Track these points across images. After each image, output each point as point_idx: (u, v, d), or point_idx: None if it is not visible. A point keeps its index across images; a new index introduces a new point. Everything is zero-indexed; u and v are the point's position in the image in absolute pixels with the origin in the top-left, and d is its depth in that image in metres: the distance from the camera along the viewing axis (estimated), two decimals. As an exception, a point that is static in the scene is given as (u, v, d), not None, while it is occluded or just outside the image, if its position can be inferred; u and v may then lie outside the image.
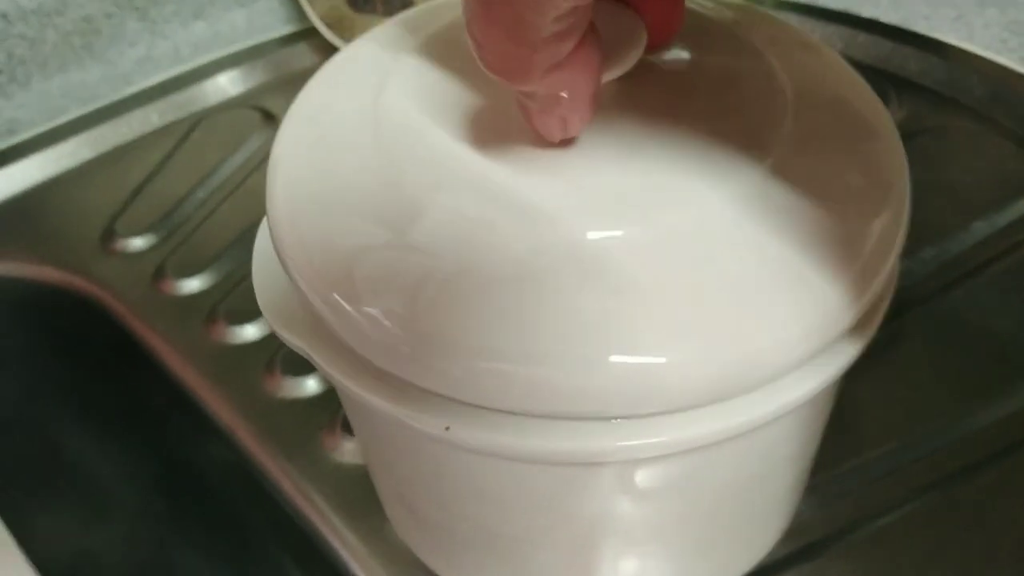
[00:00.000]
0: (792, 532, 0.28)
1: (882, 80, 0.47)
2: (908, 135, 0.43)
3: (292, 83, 0.51)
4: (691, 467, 0.21)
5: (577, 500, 0.22)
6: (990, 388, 0.32)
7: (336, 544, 0.30)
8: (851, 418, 0.31)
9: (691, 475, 0.22)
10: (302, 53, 0.52)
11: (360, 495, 0.30)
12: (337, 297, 0.19)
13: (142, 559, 0.42)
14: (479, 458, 0.21)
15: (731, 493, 0.23)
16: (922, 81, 0.47)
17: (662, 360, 0.18)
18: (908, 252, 0.37)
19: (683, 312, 0.18)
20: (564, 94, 0.18)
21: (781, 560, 0.28)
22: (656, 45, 0.21)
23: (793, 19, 0.52)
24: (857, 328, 0.20)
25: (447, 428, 0.19)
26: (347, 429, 0.32)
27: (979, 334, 0.34)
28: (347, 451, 0.32)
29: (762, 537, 0.27)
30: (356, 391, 0.20)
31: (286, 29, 0.54)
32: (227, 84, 0.51)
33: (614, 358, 0.17)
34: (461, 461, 0.21)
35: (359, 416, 0.24)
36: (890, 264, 0.20)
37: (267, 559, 0.36)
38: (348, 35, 0.49)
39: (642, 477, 0.21)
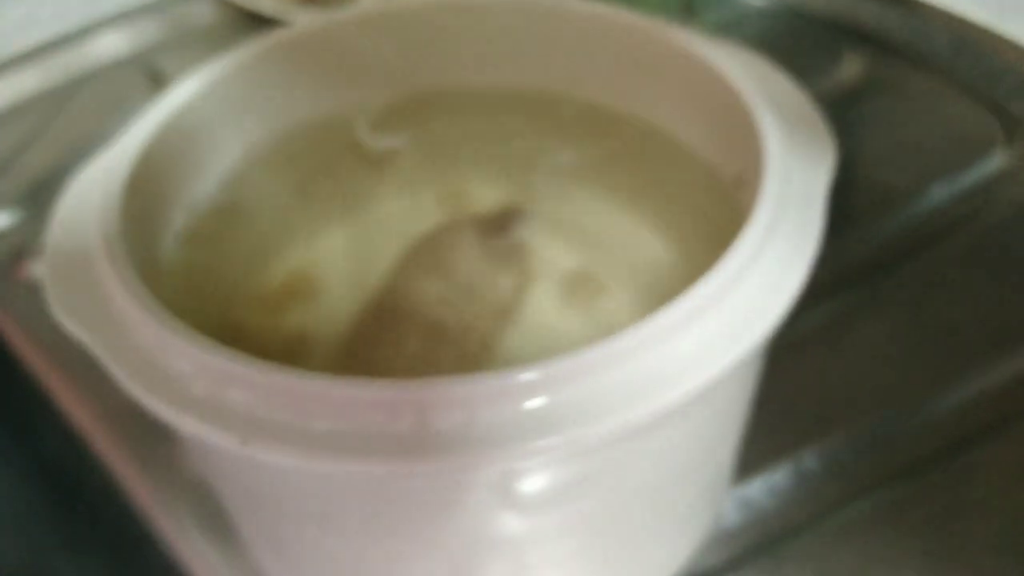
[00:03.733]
0: (717, 542, 0.25)
1: (836, 34, 0.44)
2: (863, 93, 0.40)
3: (186, 43, 0.46)
4: (583, 471, 0.18)
5: (442, 518, 0.18)
6: (949, 370, 0.29)
7: (192, 558, 0.26)
8: (786, 409, 0.27)
9: (584, 480, 0.18)
10: (199, 10, 0.48)
11: (218, 505, 0.26)
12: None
13: (14, 567, 0.38)
14: (296, 475, 0.17)
15: (631, 499, 0.19)
16: (880, 35, 0.44)
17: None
18: (860, 219, 0.34)
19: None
20: None
21: (705, 573, 0.25)
22: None
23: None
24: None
25: (243, 442, 0.15)
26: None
27: (936, 311, 0.31)
28: (209, 458, 0.28)
29: (676, 545, 0.23)
30: (140, 396, 0.16)
31: (185, -16, 0.50)
32: (115, 43, 0.46)
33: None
34: (276, 479, 0.17)
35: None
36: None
37: (136, 568, 0.33)
38: (247, -12, 0.44)
39: (522, 486, 0.17)
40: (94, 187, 0.21)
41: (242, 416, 0.15)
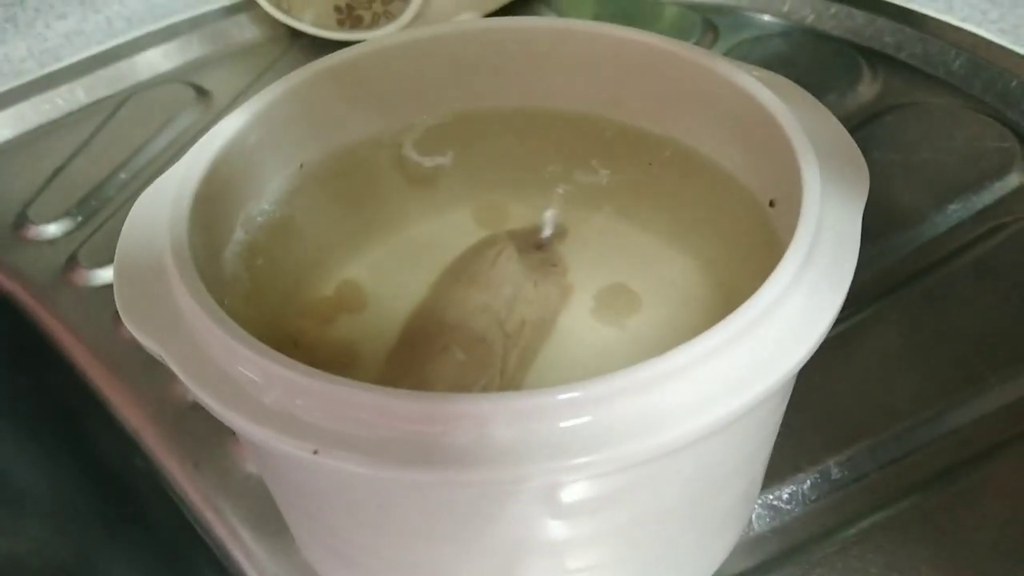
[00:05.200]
0: (745, 547, 0.26)
1: (854, 54, 0.45)
2: (881, 112, 0.41)
3: (230, 57, 0.47)
4: (623, 485, 0.19)
5: (492, 524, 0.19)
6: (968, 384, 0.29)
7: (241, 558, 0.27)
8: (810, 420, 0.28)
9: (624, 493, 0.19)
10: (242, 25, 0.49)
11: (268, 507, 0.27)
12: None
13: (65, 562, 0.40)
14: (358, 481, 0.18)
15: (667, 511, 0.20)
16: (897, 55, 0.44)
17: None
18: (878, 236, 0.35)
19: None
20: None
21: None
22: None
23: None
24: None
25: (315, 452, 0.16)
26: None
27: (956, 325, 0.31)
28: (258, 459, 0.29)
29: (708, 554, 0.24)
30: (214, 408, 0.17)
31: (227, 0, 0.51)
32: (160, 58, 0.47)
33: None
34: (339, 484, 0.18)
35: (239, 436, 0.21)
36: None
37: (185, 566, 0.34)
38: (286, 5, 0.46)
39: (566, 495, 0.18)
40: (160, 205, 0.22)
41: (311, 426, 0.17)
